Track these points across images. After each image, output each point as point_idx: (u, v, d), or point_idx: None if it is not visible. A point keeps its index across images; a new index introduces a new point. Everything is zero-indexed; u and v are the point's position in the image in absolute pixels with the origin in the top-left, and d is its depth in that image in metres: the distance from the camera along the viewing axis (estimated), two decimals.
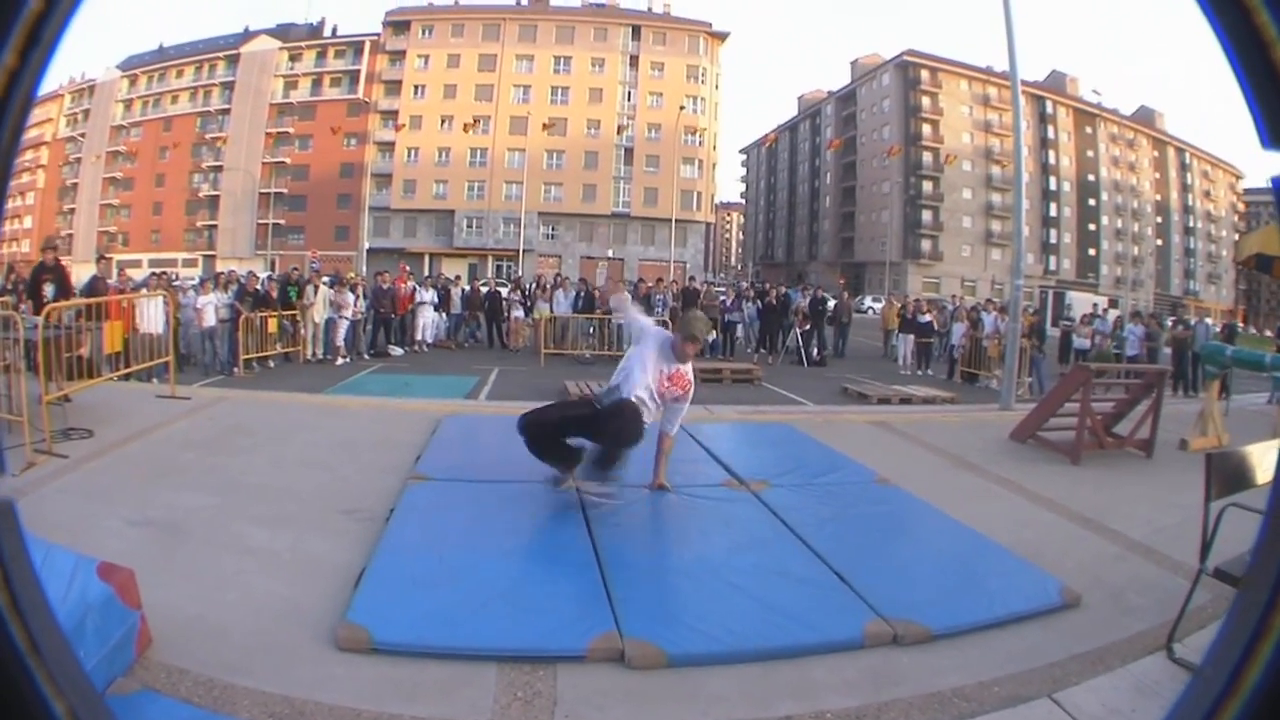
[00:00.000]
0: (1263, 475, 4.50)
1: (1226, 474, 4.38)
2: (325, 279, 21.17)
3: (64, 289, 10.99)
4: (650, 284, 23.63)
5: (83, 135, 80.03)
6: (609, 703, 3.54)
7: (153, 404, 9.64)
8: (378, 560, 4.74)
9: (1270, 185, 1.02)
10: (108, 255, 17.95)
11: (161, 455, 7.33)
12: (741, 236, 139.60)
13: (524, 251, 67.87)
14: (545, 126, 70.19)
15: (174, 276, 19.69)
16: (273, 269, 23.53)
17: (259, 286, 17.95)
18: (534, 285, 24.67)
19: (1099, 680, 3.91)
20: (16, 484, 6.10)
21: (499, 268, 67.45)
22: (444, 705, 3.44)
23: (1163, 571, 5.34)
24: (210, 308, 16.66)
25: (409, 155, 75.68)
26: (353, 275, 23.33)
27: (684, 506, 6.22)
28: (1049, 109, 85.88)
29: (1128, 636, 4.39)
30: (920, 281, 76.27)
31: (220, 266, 41.84)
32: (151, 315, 12.96)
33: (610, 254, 73.57)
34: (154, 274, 22.26)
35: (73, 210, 78.94)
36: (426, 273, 41.76)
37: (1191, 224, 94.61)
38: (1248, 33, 0.91)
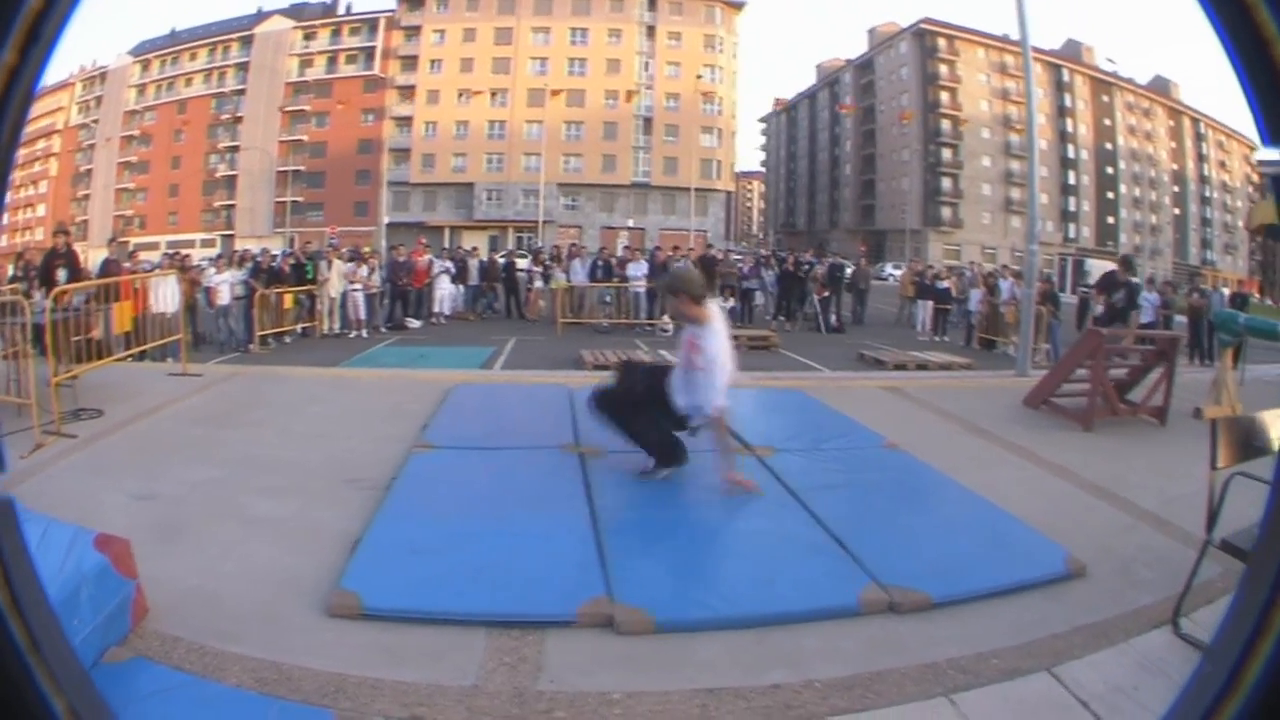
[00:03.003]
0: (1273, 443, 4.32)
1: (1233, 442, 4.18)
2: (344, 253, 21.22)
3: (76, 273, 11.10)
4: (668, 252, 23.53)
5: (95, 122, 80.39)
6: (595, 668, 3.53)
7: (164, 382, 9.66)
8: (374, 528, 4.76)
9: (1269, 181, 1.01)
10: (120, 239, 18.11)
11: (170, 431, 7.38)
12: (763, 205, 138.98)
13: (544, 223, 67.67)
14: (554, 94, 70.04)
15: (185, 257, 19.72)
16: (292, 246, 23.68)
17: (273, 263, 18.00)
18: (551, 255, 24.58)
19: (1101, 655, 3.79)
20: (25, 465, 6.14)
21: (520, 239, 67.41)
22: (430, 670, 3.44)
23: (1173, 543, 5.15)
24: (225, 286, 16.84)
25: (427, 129, 75.85)
26: (368, 249, 23.37)
27: (687, 473, 6.11)
28: (1065, 77, 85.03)
29: (1133, 609, 4.26)
30: (941, 249, 75.68)
31: (239, 245, 42.05)
32: (165, 295, 13.01)
33: (631, 224, 73.34)
34: (166, 255, 22.51)
35: (88, 196, 79.28)
36: (446, 245, 41.81)
37: (1208, 194, 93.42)
38: (1248, 30, 0.92)
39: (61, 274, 10.71)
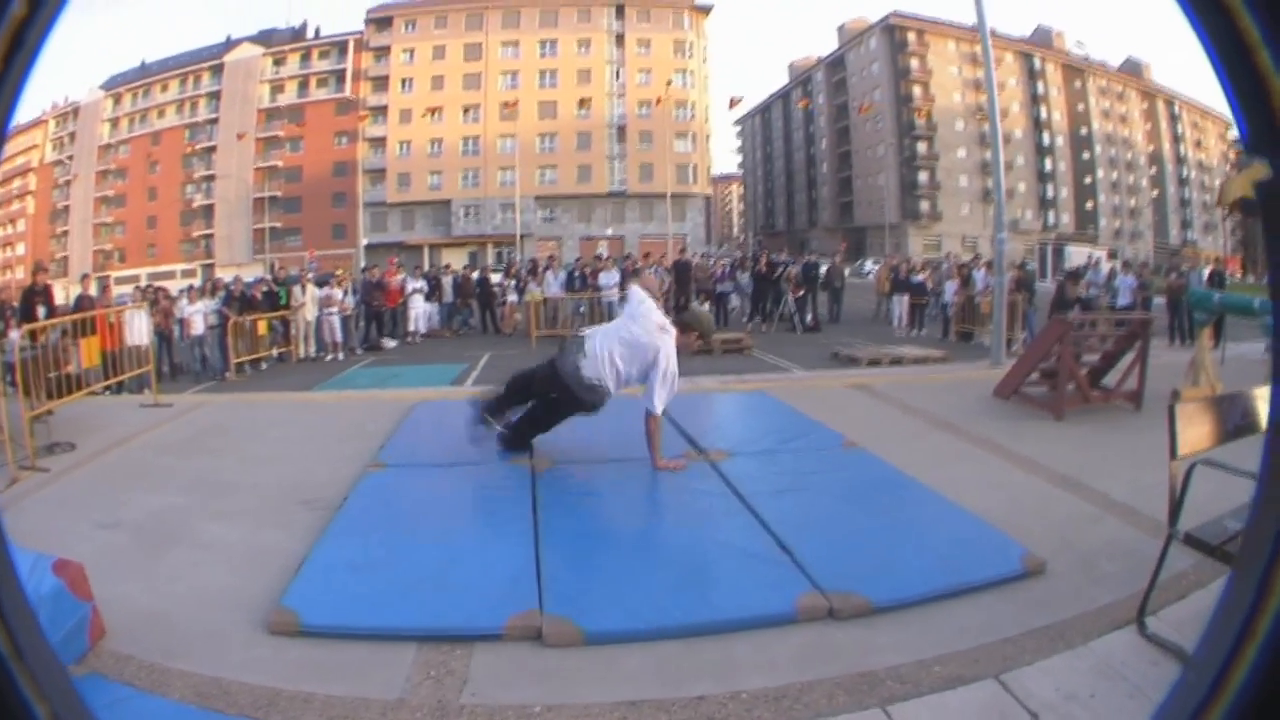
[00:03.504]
0: (1249, 425, 4.16)
1: (1195, 426, 4.00)
2: (311, 278, 21.24)
3: (52, 310, 11.17)
4: (639, 260, 23.59)
5: (70, 158, 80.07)
6: (519, 681, 3.54)
7: (136, 413, 9.71)
8: (318, 547, 4.80)
9: (1255, 193, 1.01)
10: (90, 274, 18.20)
11: (137, 461, 7.45)
12: (743, 207, 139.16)
13: (522, 236, 67.59)
14: (508, 105, 70.11)
15: (159, 289, 19.83)
16: (272, 272, 23.82)
17: (244, 290, 18.00)
18: (526, 268, 24.65)
19: (1056, 660, 3.64)
20: (0, 500, 6.22)
21: (499, 254, 67.15)
22: (358, 684, 3.50)
23: (1142, 535, 4.95)
24: (198, 316, 16.89)
25: (401, 148, 75.85)
26: (340, 272, 23.41)
27: (637, 480, 6.14)
28: (1037, 65, 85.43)
29: (1095, 608, 4.10)
30: (921, 242, 75.91)
31: (220, 274, 42.03)
32: (137, 328, 13.03)
33: (610, 233, 73.34)
34: (136, 288, 22.58)
35: (66, 232, 79.00)
36: (428, 263, 41.78)
37: (1185, 174, 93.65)
38: (1230, 37, 0.91)
39: (41, 310, 10.79)
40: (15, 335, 9.83)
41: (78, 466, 7.24)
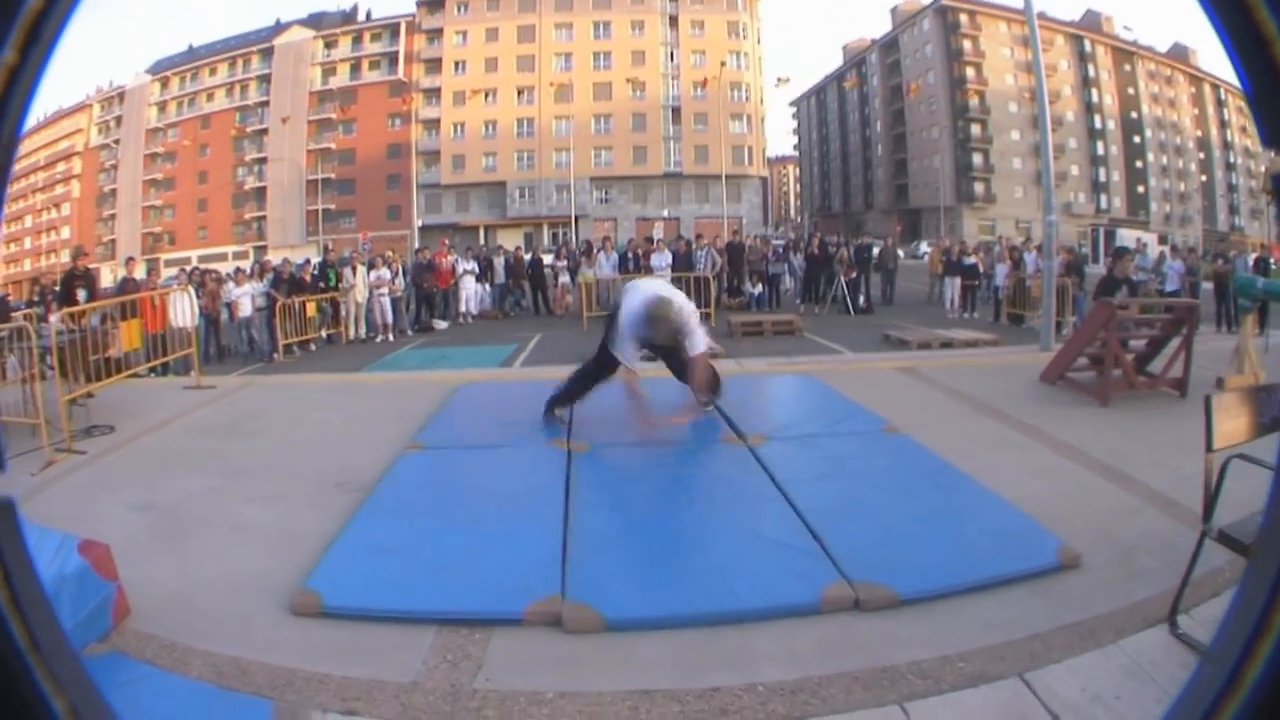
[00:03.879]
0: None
1: (1232, 418, 3.74)
2: (367, 259, 21.35)
3: (93, 293, 11.27)
4: (689, 241, 23.40)
5: (116, 142, 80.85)
6: (535, 667, 3.51)
7: (178, 396, 9.80)
8: (348, 529, 4.82)
9: (1270, 182, 0.97)
10: (136, 257, 18.52)
11: (175, 444, 7.52)
12: (799, 189, 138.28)
13: (578, 217, 67.55)
14: (557, 86, 70.45)
15: (207, 272, 20.10)
16: (325, 254, 23.98)
17: (293, 272, 18.11)
18: (579, 249, 24.56)
19: (1084, 658, 3.47)
20: (35, 482, 6.30)
21: (554, 235, 67.22)
22: (375, 666, 3.52)
23: (1183, 528, 4.60)
24: (246, 298, 17.04)
25: (455, 130, 75.84)
26: (390, 254, 23.47)
27: (673, 465, 6.12)
28: (1088, 48, 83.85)
29: (1128, 605, 3.91)
30: (976, 224, 74.82)
31: (272, 256, 42.57)
32: (182, 310, 13.22)
33: (666, 214, 72.60)
34: (181, 270, 22.85)
35: (113, 216, 79.96)
36: (483, 243, 41.88)
37: (1232, 160, 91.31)
38: (1247, 29, 0.89)
39: (81, 294, 10.89)
40: (54, 319, 9.99)
41: (115, 449, 7.33)
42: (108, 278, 40.24)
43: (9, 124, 0.92)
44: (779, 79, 68.12)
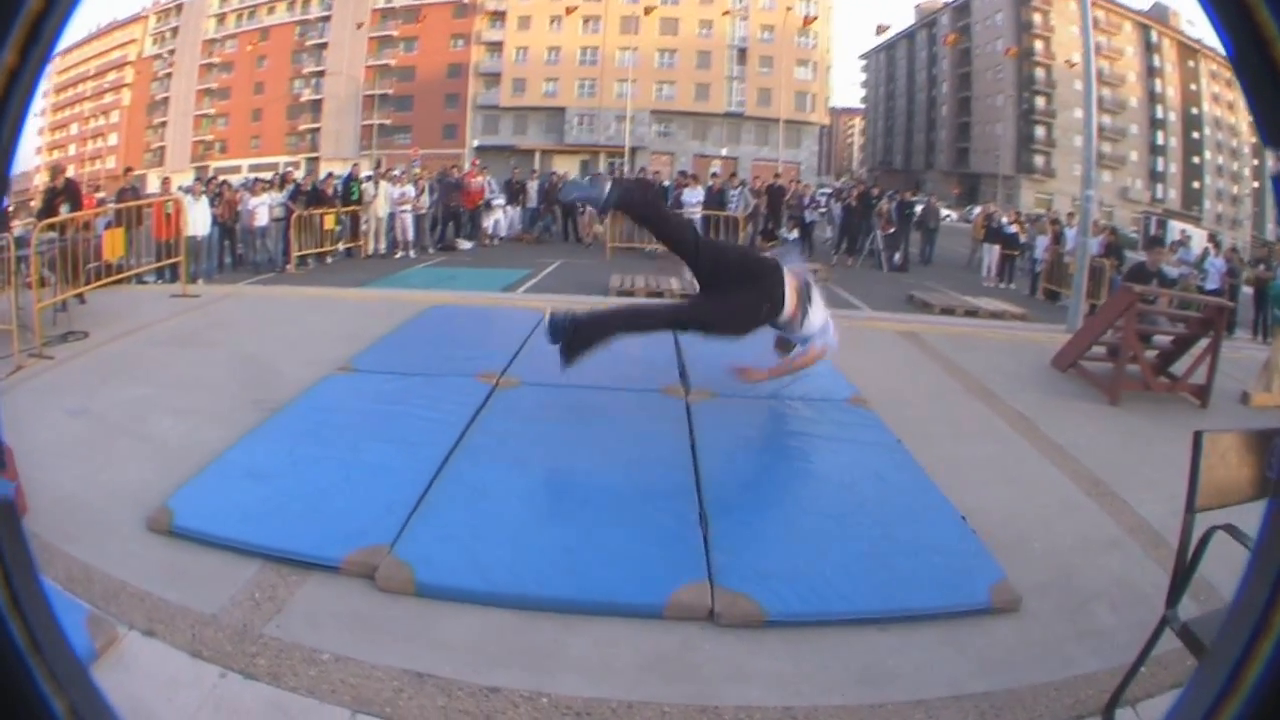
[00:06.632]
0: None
1: (1227, 468, 2.74)
2: (394, 173, 21.24)
3: (78, 205, 11.69)
4: (723, 178, 22.97)
5: (171, 52, 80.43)
6: (328, 622, 3.33)
7: (160, 304, 9.83)
8: (230, 450, 4.73)
9: (1271, 183, 0.87)
10: (129, 169, 19.04)
11: (133, 352, 7.60)
12: (863, 141, 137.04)
13: (635, 149, 66.96)
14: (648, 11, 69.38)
15: (217, 180, 20.33)
16: (378, 167, 23.91)
17: (314, 185, 18.05)
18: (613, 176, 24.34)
19: None
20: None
21: (611, 164, 66.67)
22: (190, 593, 3.46)
23: (1163, 578, 3.00)
24: (263, 208, 17.02)
25: (518, 54, 75.11)
26: (418, 171, 23.35)
27: (600, 412, 5.70)
28: (1154, 38, 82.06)
29: (1062, 679, 3.09)
30: (1034, 196, 73.72)
31: (324, 168, 42.60)
32: (195, 218, 13.25)
33: (724, 152, 71.50)
34: (197, 179, 23.04)
35: (164, 124, 79.75)
36: (535, 168, 41.56)
37: None
38: (1247, 29, 0.91)
39: (64, 208, 11.17)
40: (18, 228, 10.33)
41: (79, 355, 7.41)
42: (154, 184, 40.54)
43: (9, 124, 0.94)
44: (879, 26, 67.36)
